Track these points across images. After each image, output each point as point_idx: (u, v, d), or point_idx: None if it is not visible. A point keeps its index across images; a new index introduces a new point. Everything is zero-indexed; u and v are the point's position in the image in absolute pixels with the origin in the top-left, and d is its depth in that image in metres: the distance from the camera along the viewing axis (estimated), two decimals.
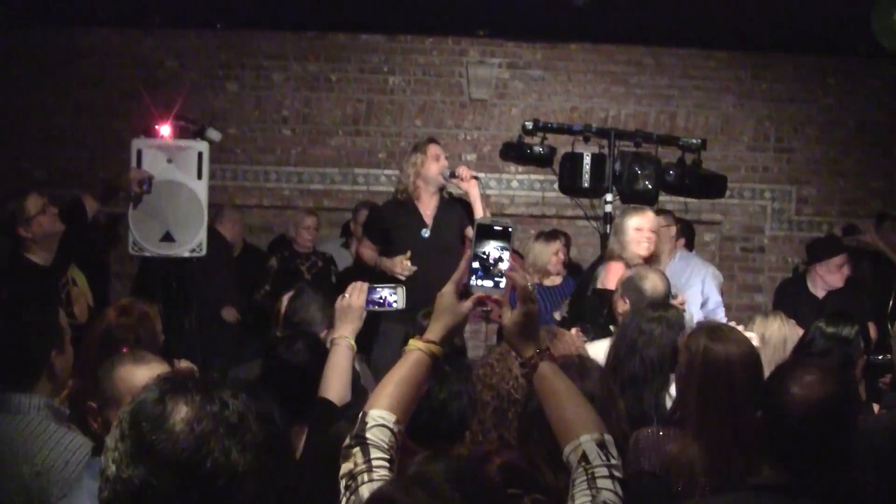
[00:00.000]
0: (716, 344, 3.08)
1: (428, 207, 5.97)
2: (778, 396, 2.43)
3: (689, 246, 8.02)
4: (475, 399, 2.91)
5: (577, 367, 2.70)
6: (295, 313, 4.67)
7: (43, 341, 2.99)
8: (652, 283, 4.71)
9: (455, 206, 6.09)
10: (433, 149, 5.98)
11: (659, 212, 7.29)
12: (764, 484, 2.44)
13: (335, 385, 3.25)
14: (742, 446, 2.91)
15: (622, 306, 4.80)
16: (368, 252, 6.14)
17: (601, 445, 2.09)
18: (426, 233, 5.93)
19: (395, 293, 3.59)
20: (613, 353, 3.90)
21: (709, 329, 3.23)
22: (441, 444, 2.64)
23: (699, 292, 6.42)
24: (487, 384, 3.12)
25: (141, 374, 2.57)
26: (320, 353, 3.60)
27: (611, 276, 5.76)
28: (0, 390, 2.90)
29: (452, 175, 5.84)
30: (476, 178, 5.83)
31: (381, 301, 3.57)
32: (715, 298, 6.54)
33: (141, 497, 1.66)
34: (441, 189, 6.04)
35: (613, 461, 2.08)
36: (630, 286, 4.79)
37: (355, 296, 3.49)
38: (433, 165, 5.90)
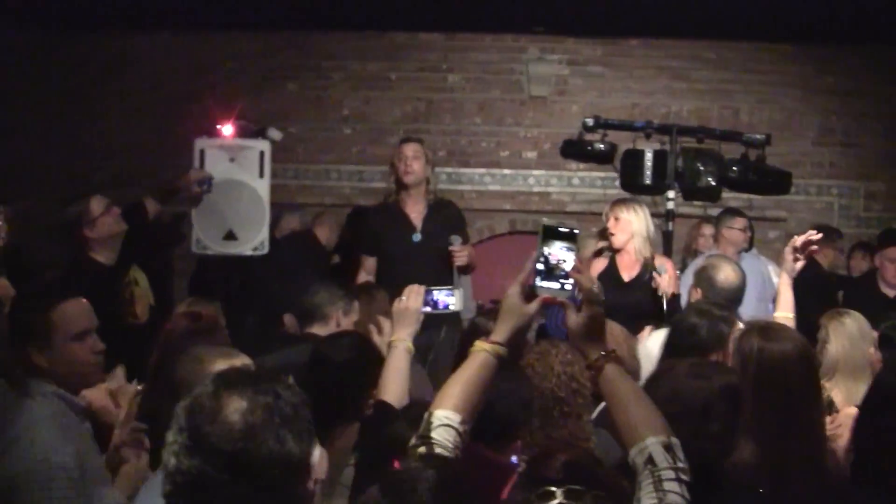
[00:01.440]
0: (770, 343, 3.00)
1: (414, 211, 5.99)
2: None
3: (750, 244, 7.90)
4: (529, 399, 2.88)
5: None
6: (304, 303, 4.76)
7: (19, 338, 3.08)
8: (725, 274, 4.66)
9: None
10: (402, 149, 5.99)
11: (729, 212, 7.24)
12: None
13: (393, 387, 3.27)
14: (799, 445, 2.86)
15: (695, 296, 4.77)
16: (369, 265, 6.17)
17: (668, 448, 2.09)
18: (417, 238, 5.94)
19: (451, 295, 3.59)
20: (666, 350, 3.82)
21: (760, 328, 3.14)
22: (490, 446, 2.63)
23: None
24: None
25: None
26: (365, 351, 3.61)
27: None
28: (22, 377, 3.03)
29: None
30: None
31: (437, 303, 3.57)
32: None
33: (197, 487, 1.71)
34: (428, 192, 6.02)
35: (680, 464, 2.08)
36: (703, 276, 4.76)
37: (412, 298, 3.51)
38: (401, 166, 5.93)
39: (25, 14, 8.57)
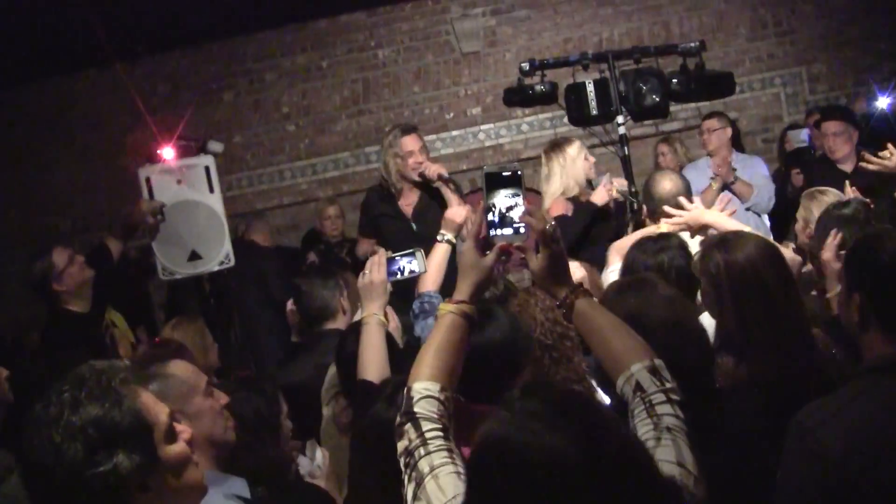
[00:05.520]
0: (732, 254, 2.94)
1: (408, 201, 5.87)
2: (877, 265, 2.26)
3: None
4: (521, 344, 2.65)
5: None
6: (310, 309, 4.56)
7: None
8: (663, 187, 4.55)
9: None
10: (406, 144, 5.80)
11: (711, 115, 7.59)
12: (882, 365, 2.23)
13: (371, 365, 3.18)
14: (792, 346, 2.83)
15: (643, 213, 4.78)
16: (365, 246, 6.09)
17: (653, 371, 2.06)
18: (416, 227, 5.82)
19: (413, 259, 3.52)
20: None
21: (717, 243, 3.07)
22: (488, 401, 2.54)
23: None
24: None
25: None
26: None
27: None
28: None
29: (422, 176, 5.69)
30: (443, 178, 5.59)
31: (402, 270, 3.51)
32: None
33: None
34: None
35: (668, 385, 2.04)
36: (645, 192, 4.72)
37: (374, 271, 3.43)
38: (410, 162, 5.77)
39: None
